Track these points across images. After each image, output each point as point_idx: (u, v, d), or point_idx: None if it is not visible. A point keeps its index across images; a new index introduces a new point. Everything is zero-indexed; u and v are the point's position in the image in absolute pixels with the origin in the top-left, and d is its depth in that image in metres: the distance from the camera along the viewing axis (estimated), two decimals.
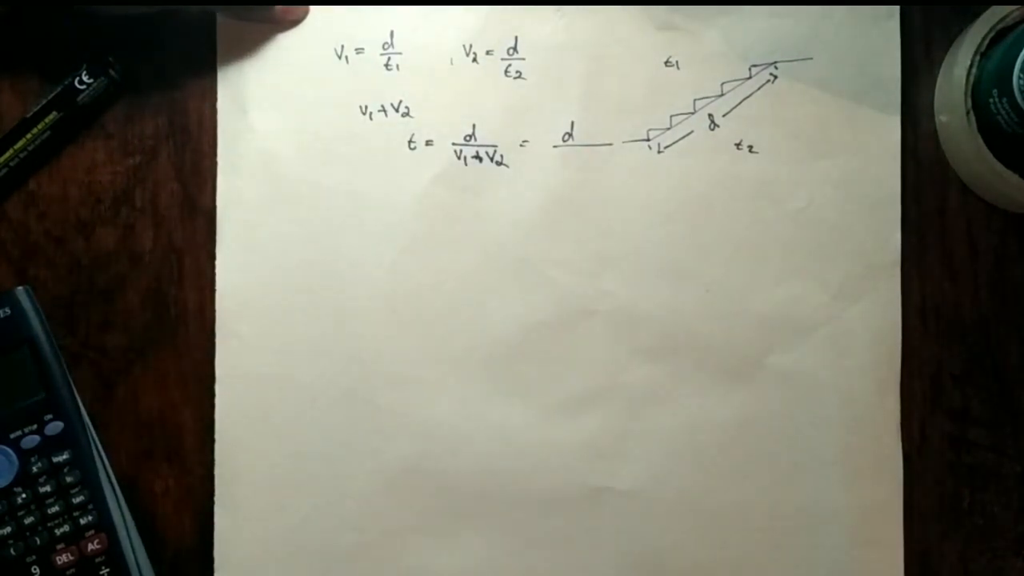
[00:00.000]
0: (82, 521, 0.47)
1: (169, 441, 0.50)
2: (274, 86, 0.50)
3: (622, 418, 0.50)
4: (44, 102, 0.49)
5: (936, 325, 0.50)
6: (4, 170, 0.49)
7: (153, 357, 0.50)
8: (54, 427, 0.48)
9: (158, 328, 0.50)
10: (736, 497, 0.49)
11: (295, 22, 0.50)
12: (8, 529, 0.47)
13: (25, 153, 0.49)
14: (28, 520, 0.47)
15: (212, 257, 0.50)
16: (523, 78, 0.50)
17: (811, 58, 0.50)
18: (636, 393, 0.50)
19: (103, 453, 0.48)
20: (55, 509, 0.47)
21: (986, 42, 0.48)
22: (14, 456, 0.47)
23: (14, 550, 0.47)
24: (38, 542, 0.47)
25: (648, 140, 0.50)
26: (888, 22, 0.50)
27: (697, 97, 0.50)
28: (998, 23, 0.47)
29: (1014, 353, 0.50)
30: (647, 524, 0.50)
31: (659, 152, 0.50)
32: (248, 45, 0.50)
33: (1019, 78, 0.44)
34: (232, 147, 0.50)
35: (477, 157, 0.50)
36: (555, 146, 0.50)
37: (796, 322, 0.50)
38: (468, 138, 0.50)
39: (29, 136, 0.49)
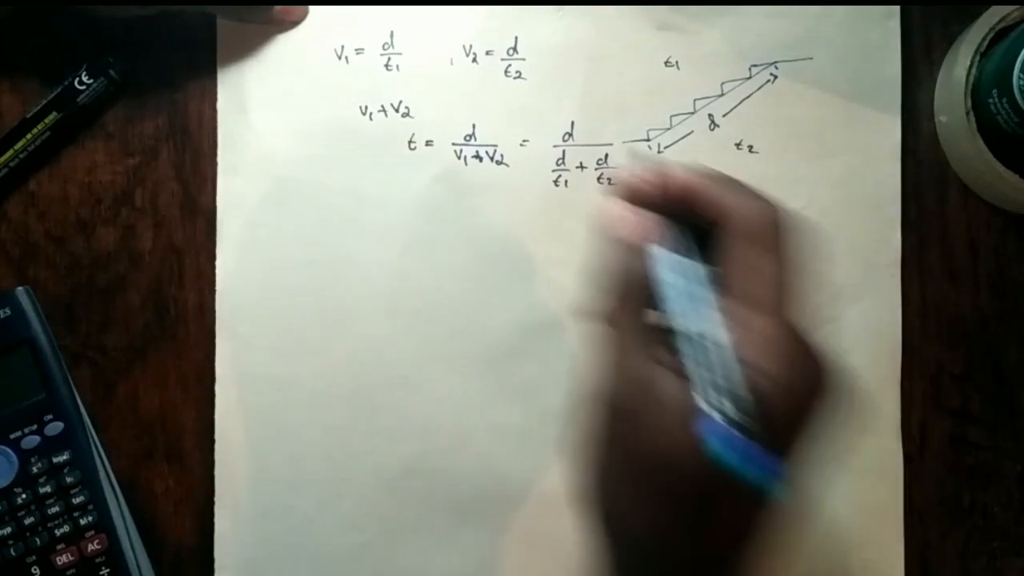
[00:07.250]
0: (82, 521, 0.47)
1: (169, 441, 0.50)
2: (274, 86, 0.50)
3: None
4: (44, 102, 0.49)
5: (936, 325, 0.50)
6: (4, 170, 0.49)
7: (153, 357, 0.50)
8: (54, 427, 0.48)
9: (158, 328, 0.50)
10: None
11: (295, 22, 0.50)
12: (8, 529, 0.47)
13: (25, 153, 0.49)
14: (28, 520, 0.47)
15: (212, 257, 0.50)
16: (523, 78, 0.50)
17: (811, 58, 0.50)
18: None
19: (103, 453, 0.48)
20: (55, 509, 0.47)
21: (986, 42, 0.48)
22: (14, 456, 0.47)
23: (14, 550, 0.47)
24: (38, 542, 0.47)
25: (648, 140, 0.50)
26: (888, 22, 0.50)
27: (697, 97, 0.50)
28: (998, 23, 0.47)
29: (1014, 353, 0.50)
30: None
31: (659, 152, 0.50)
32: (248, 45, 0.50)
33: (1019, 78, 0.44)
34: (232, 147, 0.50)
35: (477, 157, 0.50)
36: (555, 146, 0.50)
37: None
38: (468, 138, 0.50)
39: (29, 136, 0.49)
